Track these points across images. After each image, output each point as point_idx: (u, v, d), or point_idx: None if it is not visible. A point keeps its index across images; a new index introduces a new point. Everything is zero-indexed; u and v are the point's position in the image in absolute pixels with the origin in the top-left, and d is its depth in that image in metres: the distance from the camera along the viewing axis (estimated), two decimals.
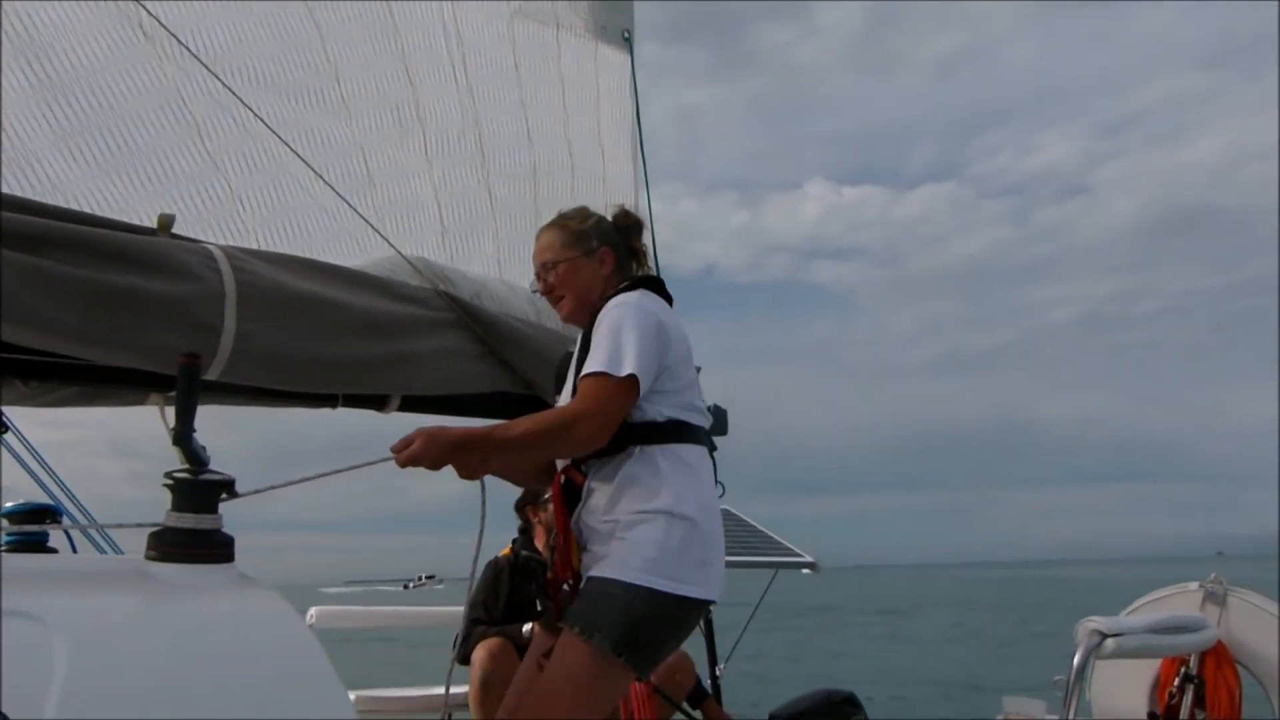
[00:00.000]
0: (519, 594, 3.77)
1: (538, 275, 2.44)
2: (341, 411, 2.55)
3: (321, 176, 2.55)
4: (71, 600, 1.44)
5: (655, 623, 2.08)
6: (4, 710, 1.18)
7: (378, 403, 2.50)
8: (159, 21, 2.31)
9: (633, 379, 2.11)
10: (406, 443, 2.00)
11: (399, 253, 2.62)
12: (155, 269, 1.97)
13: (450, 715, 4.12)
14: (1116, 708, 4.02)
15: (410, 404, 2.56)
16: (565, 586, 2.24)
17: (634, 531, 2.11)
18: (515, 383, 2.73)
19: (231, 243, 2.36)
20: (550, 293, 2.42)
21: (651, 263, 2.58)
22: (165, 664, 1.35)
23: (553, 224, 2.46)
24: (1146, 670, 4.07)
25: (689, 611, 2.14)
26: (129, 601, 1.49)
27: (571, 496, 2.26)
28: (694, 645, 3.92)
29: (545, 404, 2.77)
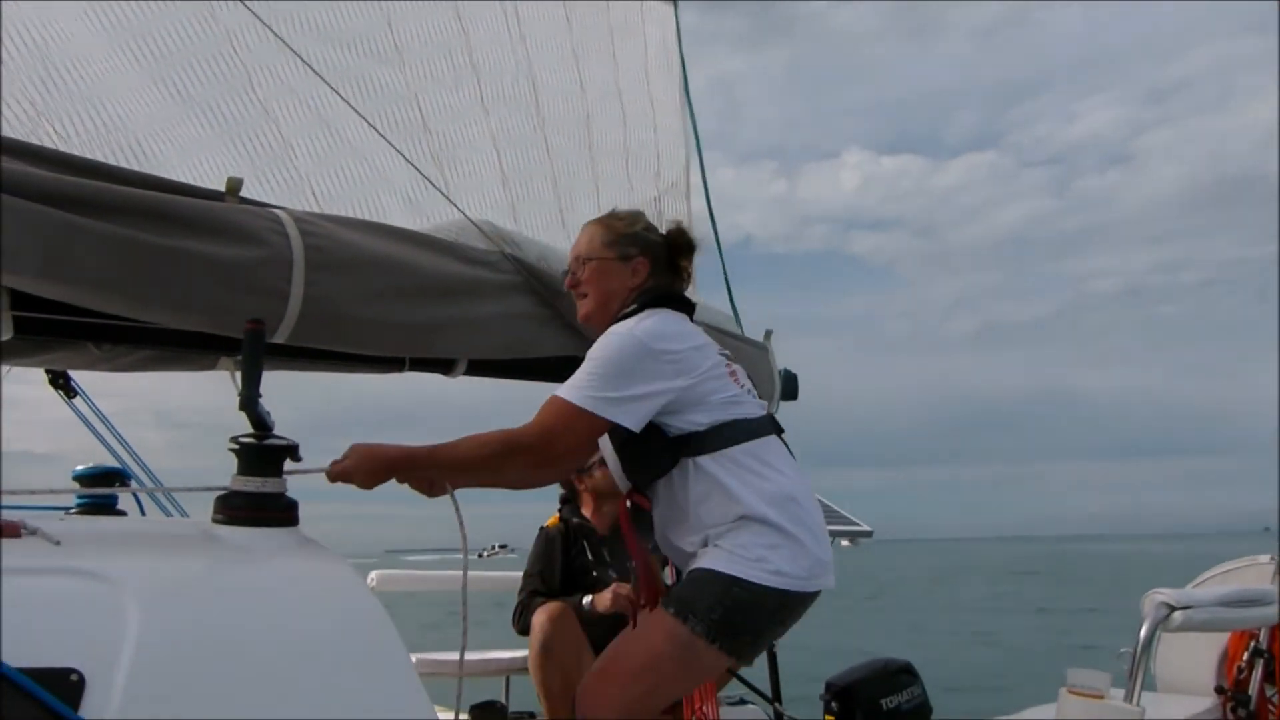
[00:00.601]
0: (575, 563, 3.79)
1: (570, 266, 2.38)
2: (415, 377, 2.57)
3: (382, 135, 2.55)
4: (142, 561, 1.47)
5: (753, 612, 2.04)
6: (79, 667, 1.22)
7: (444, 366, 2.51)
8: None
9: (601, 424, 2.04)
10: (341, 458, 1.95)
11: (465, 215, 2.61)
12: (224, 234, 1.99)
13: (509, 678, 4.18)
14: (1182, 681, 3.94)
15: (477, 368, 2.56)
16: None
17: (724, 539, 2.07)
18: (581, 347, 2.73)
19: (287, 192, 2.40)
20: (575, 287, 2.36)
21: (709, 229, 2.52)
22: (232, 625, 1.38)
23: (600, 219, 2.40)
24: (1214, 644, 3.99)
25: (790, 603, 2.09)
26: (197, 563, 1.52)
27: (642, 520, 2.23)
28: None
29: None
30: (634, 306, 2.24)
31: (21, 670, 1.17)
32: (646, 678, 2.04)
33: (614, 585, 3.52)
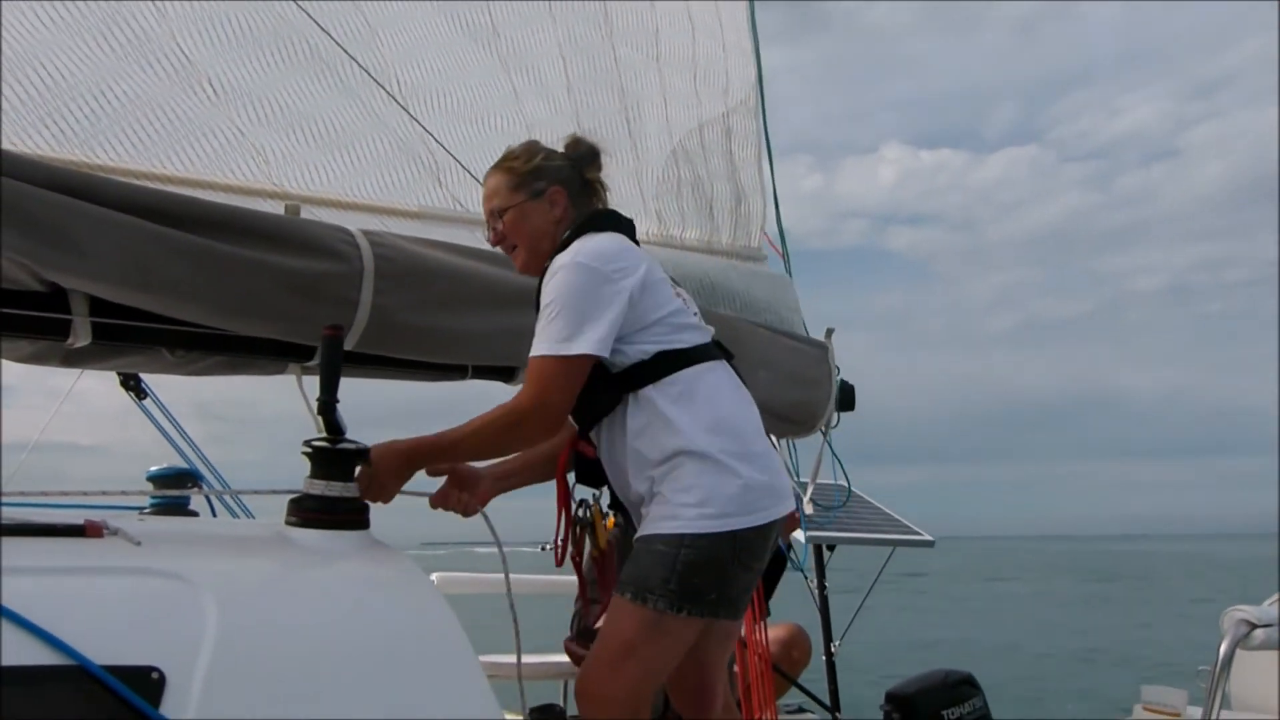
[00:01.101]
0: None
1: (487, 224, 2.26)
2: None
3: (403, 106, 2.59)
4: (219, 563, 1.50)
5: (709, 567, 1.97)
6: (159, 665, 1.24)
7: (506, 374, 2.53)
8: None
9: (585, 358, 1.98)
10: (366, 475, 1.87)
11: None
12: (298, 246, 2.07)
13: (567, 683, 4.18)
14: (1259, 700, 3.82)
15: None
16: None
17: (664, 484, 2.00)
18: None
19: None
20: (501, 242, 2.23)
21: (766, 179, 2.39)
22: (306, 625, 1.40)
23: (496, 166, 2.26)
24: None
25: (749, 543, 2.01)
26: (272, 565, 1.55)
27: (588, 471, 2.17)
28: (810, 622, 3.89)
29: None
30: (567, 235, 2.16)
31: (104, 668, 1.20)
32: (629, 665, 1.99)
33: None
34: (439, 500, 2.09)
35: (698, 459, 1.98)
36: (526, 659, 4.31)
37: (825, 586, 4.11)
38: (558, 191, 2.20)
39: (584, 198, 2.26)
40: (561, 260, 2.05)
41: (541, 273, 2.11)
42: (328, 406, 1.64)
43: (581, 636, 3.14)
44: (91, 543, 1.43)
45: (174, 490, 2.65)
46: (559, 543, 2.26)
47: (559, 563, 2.22)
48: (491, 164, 2.27)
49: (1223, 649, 2.58)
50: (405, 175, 2.70)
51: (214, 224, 1.96)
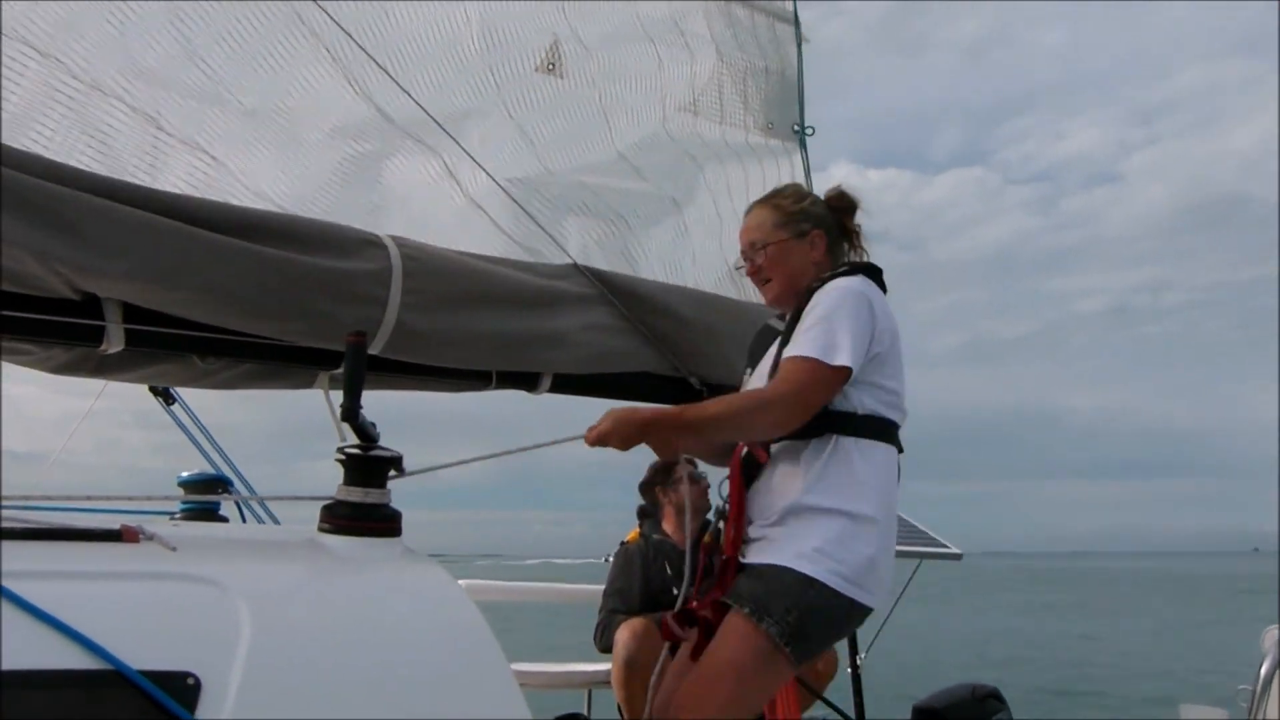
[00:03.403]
0: (654, 581, 3.76)
1: (744, 254, 2.39)
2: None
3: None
4: (254, 568, 1.50)
5: (824, 618, 2.03)
6: (195, 670, 1.24)
7: (529, 382, 2.53)
8: None
9: (844, 370, 2.04)
10: (597, 425, 2.06)
11: (535, 221, 2.63)
12: (326, 247, 2.07)
13: (591, 692, 4.18)
14: None
15: (561, 384, 2.57)
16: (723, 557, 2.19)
17: (815, 523, 2.05)
18: (660, 363, 2.72)
19: None
20: (757, 274, 2.36)
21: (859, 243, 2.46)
22: (340, 632, 1.39)
23: (764, 201, 2.40)
24: None
25: (854, 615, 2.09)
26: (305, 571, 1.55)
27: (750, 471, 2.21)
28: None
29: (690, 387, 2.75)
30: (845, 268, 2.25)
31: (141, 672, 1.20)
32: (729, 684, 2.00)
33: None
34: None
35: (862, 522, 2.05)
36: (552, 667, 4.32)
37: None
38: (819, 235, 2.34)
39: (839, 244, 2.39)
40: (841, 282, 2.16)
41: (795, 306, 2.20)
42: (352, 413, 1.64)
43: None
44: (127, 547, 1.43)
45: (205, 496, 2.66)
46: (729, 532, 2.26)
47: (730, 550, 2.20)
48: None
49: (1264, 669, 2.54)
50: None
51: (243, 226, 1.98)
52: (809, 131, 3.54)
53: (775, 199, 2.38)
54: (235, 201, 2.18)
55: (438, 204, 2.58)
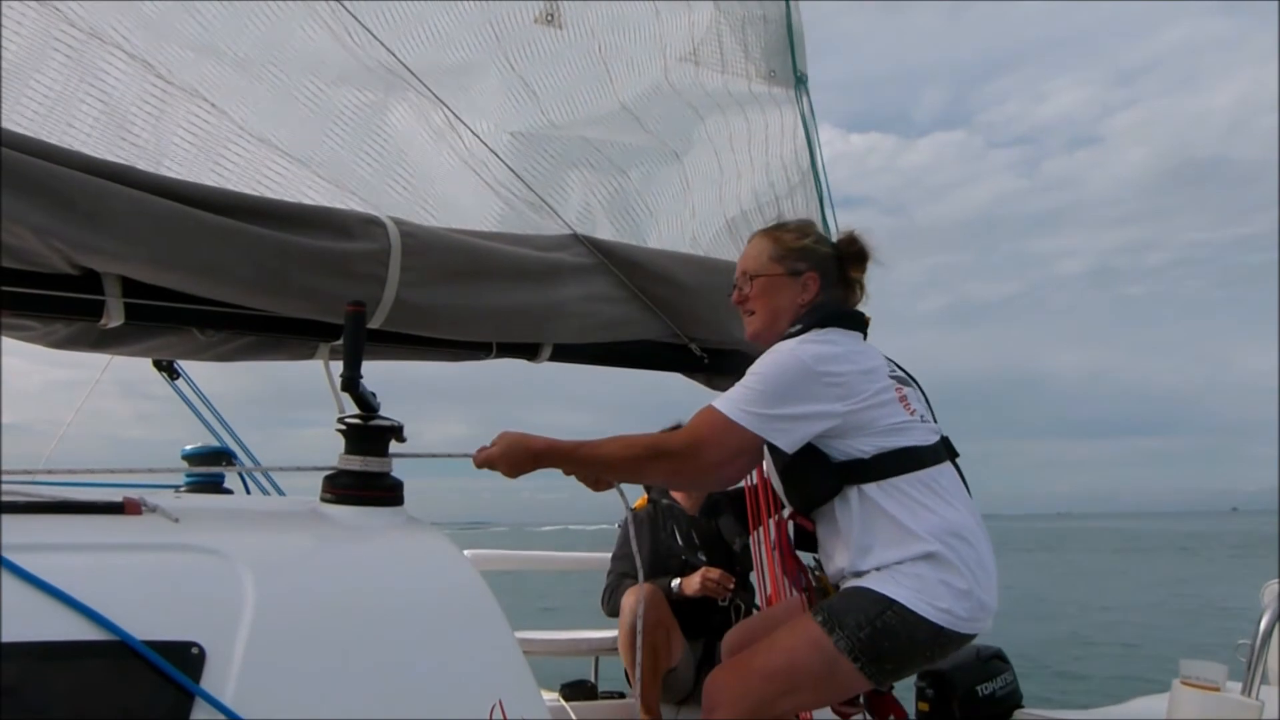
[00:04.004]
0: (662, 545, 3.78)
1: (736, 281, 2.32)
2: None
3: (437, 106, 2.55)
4: (257, 539, 1.51)
5: (902, 639, 1.95)
6: (199, 640, 1.25)
7: (530, 352, 2.53)
8: None
9: (747, 434, 1.98)
10: (489, 446, 2.01)
11: (533, 191, 2.62)
12: (325, 228, 2.08)
13: (598, 659, 4.21)
14: None
15: (561, 353, 2.57)
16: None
17: (888, 568, 2.00)
18: (663, 330, 2.71)
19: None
20: (743, 304, 2.29)
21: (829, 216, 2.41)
22: (343, 600, 1.40)
23: (768, 232, 2.33)
24: None
25: (944, 640, 1.98)
26: (308, 541, 1.56)
27: (804, 541, 2.19)
28: None
29: (691, 353, 2.75)
30: (799, 327, 2.17)
31: (146, 643, 1.21)
32: (780, 681, 1.98)
33: (703, 570, 3.51)
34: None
35: (926, 560, 1.97)
36: (559, 635, 4.36)
37: None
38: (813, 278, 2.24)
39: (837, 292, 2.29)
40: (785, 345, 2.08)
41: (767, 345, 2.14)
42: (352, 382, 1.65)
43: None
44: (131, 519, 1.44)
45: (209, 468, 2.67)
46: (772, 594, 2.30)
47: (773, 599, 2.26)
48: None
49: (1263, 623, 2.55)
50: None
51: (243, 209, 1.98)
52: (804, 78, 3.47)
53: (778, 231, 2.31)
54: (238, 149, 2.19)
55: (438, 156, 2.56)
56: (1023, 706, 3.63)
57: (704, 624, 3.53)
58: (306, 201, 2.22)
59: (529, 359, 2.58)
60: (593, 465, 2.04)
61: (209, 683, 1.22)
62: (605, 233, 2.75)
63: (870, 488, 2.02)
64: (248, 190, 2.16)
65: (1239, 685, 2.54)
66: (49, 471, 1.73)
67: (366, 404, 1.68)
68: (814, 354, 2.04)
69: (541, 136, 2.75)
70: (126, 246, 1.82)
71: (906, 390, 2.17)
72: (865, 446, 2.04)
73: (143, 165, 2.00)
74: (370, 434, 1.65)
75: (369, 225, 2.15)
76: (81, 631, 1.19)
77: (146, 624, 1.22)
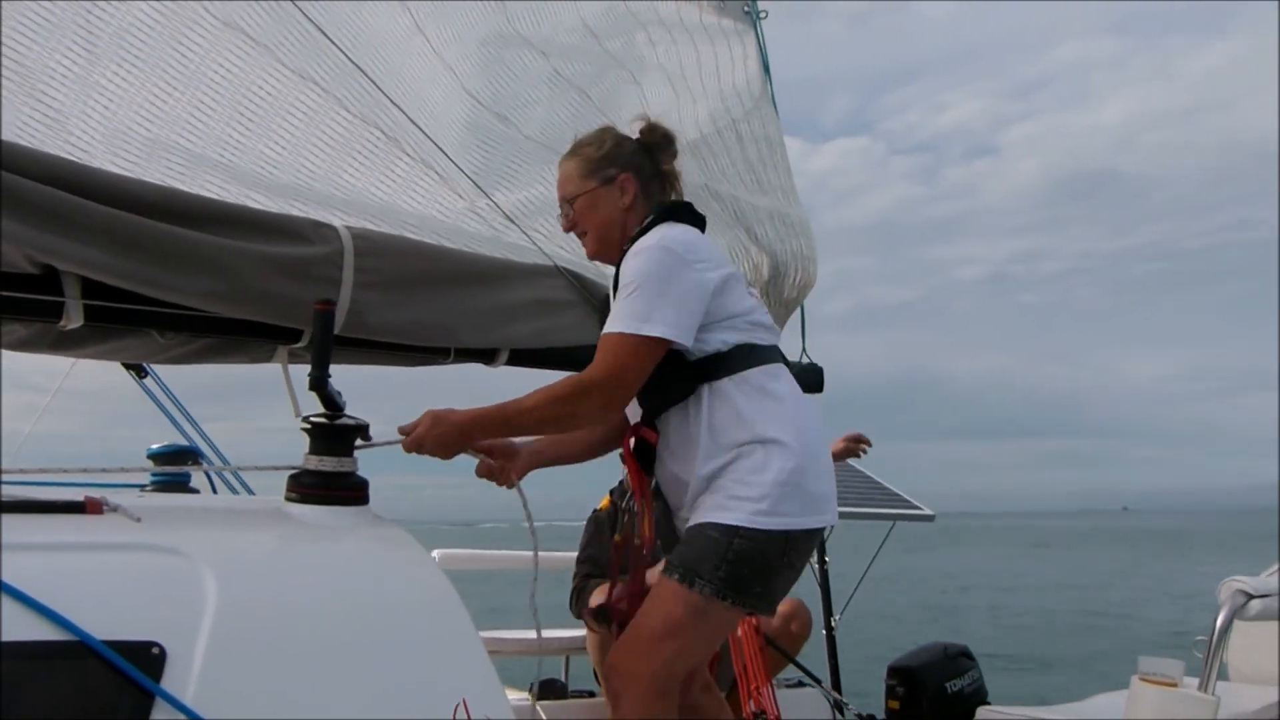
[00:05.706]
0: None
1: (561, 212, 2.29)
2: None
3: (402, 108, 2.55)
4: (220, 538, 1.50)
5: (757, 561, 1.98)
6: (160, 640, 1.24)
7: (487, 356, 2.53)
8: None
9: (661, 341, 1.98)
10: (414, 425, 1.93)
11: (486, 195, 2.62)
12: (279, 233, 2.08)
13: (568, 658, 4.21)
14: (1257, 671, 3.84)
15: (518, 358, 2.57)
16: (644, 551, 2.18)
17: (725, 475, 2.01)
18: None
19: None
20: (574, 228, 2.27)
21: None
22: (306, 600, 1.40)
23: (570, 153, 2.29)
24: None
25: (797, 544, 2.02)
26: (272, 540, 1.56)
27: (647, 455, 2.15)
28: (810, 597, 3.91)
29: None
30: (650, 219, 2.17)
31: (106, 643, 1.20)
32: (668, 644, 2.00)
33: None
34: (481, 470, 2.11)
35: (766, 449, 1.99)
36: (529, 634, 4.34)
37: (826, 562, 4.12)
38: (627, 179, 2.22)
39: (655, 186, 2.27)
40: (645, 242, 2.07)
41: (618, 259, 2.13)
42: (320, 381, 1.64)
43: (598, 616, 3.16)
44: (91, 519, 1.43)
45: (174, 467, 2.66)
46: (643, 526, 2.22)
47: (647, 542, 2.19)
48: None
49: (1220, 619, 2.60)
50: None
51: (196, 216, 1.97)
52: (762, 15, 3.46)
53: (580, 148, 2.27)
54: (200, 35, 2.14)
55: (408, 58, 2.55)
56: (989, 703, 3.67)
57: None
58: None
59: (486, 364, 2.58)
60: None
61: (170, 683, 1.22)
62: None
63: (723, 382, 2.04)
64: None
65: (1196, 681, 2.58)
66: (12, 471, 1.71)
67: (333, 403, 1.68)
68: (676, 240, 2.06)
69: (505, 46, 2.76)
70: (82, 254, 1.81)
71: (754, 292, 2.22)
72: (728, 338, 2.06)
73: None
74: (335, 433, 1.65)
75: (320, 228, 2.16)
76: (41, 632, 1.18)
77: (107, 624, 1.21)
